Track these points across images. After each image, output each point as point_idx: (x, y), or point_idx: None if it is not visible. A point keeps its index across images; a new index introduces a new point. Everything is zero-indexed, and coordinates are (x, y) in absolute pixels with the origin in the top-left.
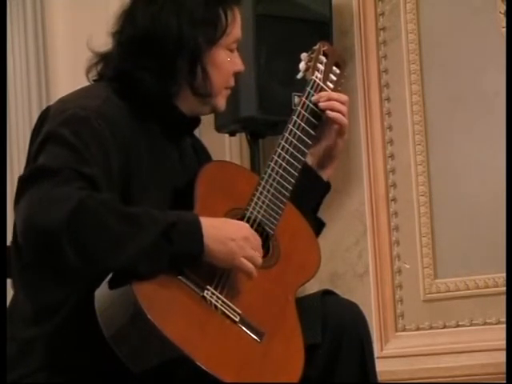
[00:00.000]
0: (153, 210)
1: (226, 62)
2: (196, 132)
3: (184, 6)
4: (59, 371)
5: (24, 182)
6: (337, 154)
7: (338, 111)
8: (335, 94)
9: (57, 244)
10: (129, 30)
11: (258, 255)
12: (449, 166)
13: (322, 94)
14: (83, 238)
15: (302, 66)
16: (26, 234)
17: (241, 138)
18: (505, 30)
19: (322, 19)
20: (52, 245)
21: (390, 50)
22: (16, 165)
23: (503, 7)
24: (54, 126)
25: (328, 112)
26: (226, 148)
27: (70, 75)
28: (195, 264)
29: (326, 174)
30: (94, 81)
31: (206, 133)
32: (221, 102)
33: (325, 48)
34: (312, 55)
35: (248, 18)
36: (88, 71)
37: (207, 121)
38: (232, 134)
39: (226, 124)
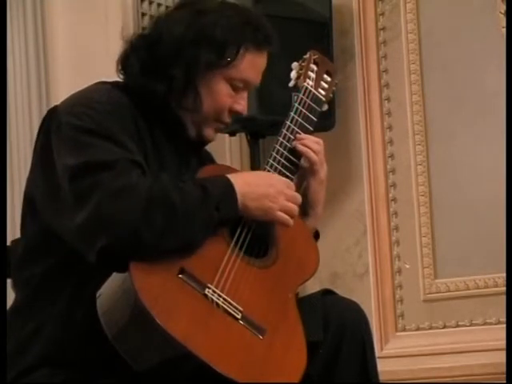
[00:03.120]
0: (201, 181)
1: (222, 94)
2: None
3: (198, 20)
4: (60, 366)
5: (81, 171)
6: (315, 199)
7: (309, 148)
8: (311, 138)
9: (137, 231)
10: (147, 28)
11: (292, 206)
12: (449, 166)
13: (299, 136)
14: (160, 222)
15: (293, 74)
16: (101, 222)
17: (241, 138)
18: (505, 29)
19: (322, 19)
20: (133, 232)
21: (390, 50)
22: (16, 165)
23: (503, 7)
24: (77, 122)
25: (297, 145)
26: (226, 148)
27: (70, 75)
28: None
29: (310, 224)
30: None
31: None
32: (208, 132)
33: (315, 56)
34: (303, 64)
35: None
36: (117, 64)
37: None
38: (232, 134)
39: None
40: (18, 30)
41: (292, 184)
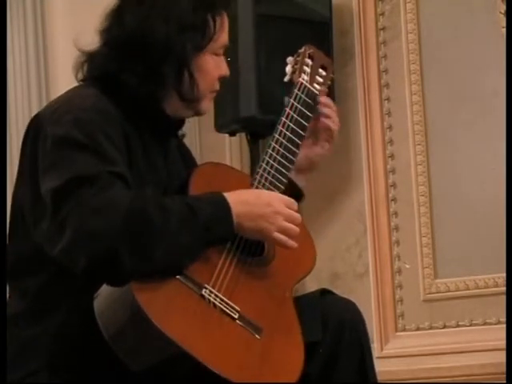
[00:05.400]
0: (190, 199)
1: (212, 68)
2: (196, 132)
3: (173, 10)
4: (61, 371)
5: (62, 194)
6: (317, 160)
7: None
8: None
9: (114, 249)
10: (116, 30)
11: (290, 226)
12: (449, 166)
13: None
14: (138, 240)
15: (288, 69)
16: (80, 243)
17: (241, 138)
18: (505, 29)
19: (322, 19)
20: (109, 250)
21: (390, 50)
22: (16, 165)
23: (503, 7)
24: (61, 131)
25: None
26: (226, 148)
27: (70, 75)
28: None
29: (301, 180)
30: (81, 80)
31: (206, 133)
32: (205, 106)
33: (310, 51)
34: (298, 58)
35: (248, 18)
36: (76, 70)
37: (207, 121)
38: (232, 134)
39: (226, 124)
40: (18, 29)
41: (293, 203)
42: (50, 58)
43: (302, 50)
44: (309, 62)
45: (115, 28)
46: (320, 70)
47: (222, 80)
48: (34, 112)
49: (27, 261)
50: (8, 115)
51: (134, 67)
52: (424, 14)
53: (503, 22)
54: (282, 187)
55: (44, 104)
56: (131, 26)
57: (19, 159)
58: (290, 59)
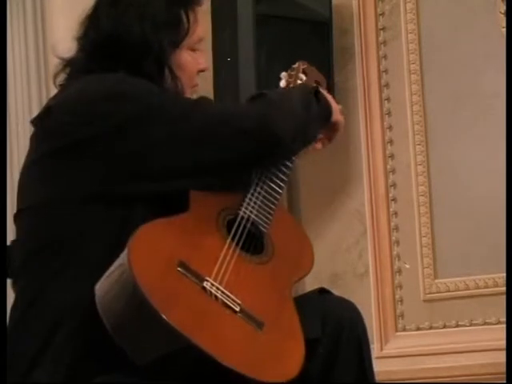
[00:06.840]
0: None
1: (190, 63)
2: None
3: (146, 9)
4: (63, 367)
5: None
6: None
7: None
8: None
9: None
10: (92, 34)
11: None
12: (449, 166)
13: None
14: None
15: (282, 83)
16: (255, 131)
17: None
18: (505, 29)
19: (322, 19)
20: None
21: (390, 50)
22: (16, 164)
23: (503, 7)
24: (137, 94)
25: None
26: None
27: None
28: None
29: None
30: (61, 85)
31: None
32: None
33: (304, 66)
34: (292, 73)
35: (248, 18)
36: (54, 78)
37: None
38: None
39: None
40: (18, 29)
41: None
42: (50, 58)
43: (296, 65)
44: (302, 77)
45: (91, 32)
46: (314, 86)
47: (216, 77)
48: (34, 112)
49: (29, 261)
50: (8, 115)
51: (114, 68)
52: (424, 14)
53: (503, 22)
54: (281, 189)
55: (44, 103)
56: (107, 28)
57: (39, 161)
58: (283, 74)
